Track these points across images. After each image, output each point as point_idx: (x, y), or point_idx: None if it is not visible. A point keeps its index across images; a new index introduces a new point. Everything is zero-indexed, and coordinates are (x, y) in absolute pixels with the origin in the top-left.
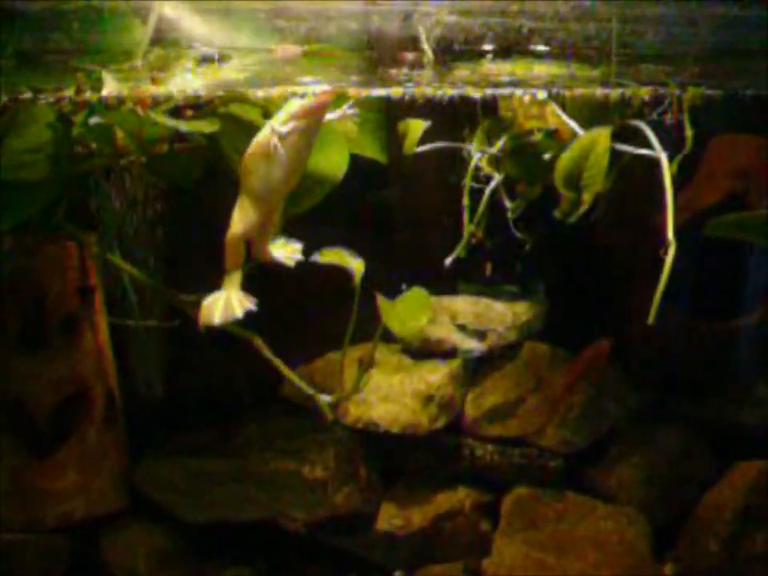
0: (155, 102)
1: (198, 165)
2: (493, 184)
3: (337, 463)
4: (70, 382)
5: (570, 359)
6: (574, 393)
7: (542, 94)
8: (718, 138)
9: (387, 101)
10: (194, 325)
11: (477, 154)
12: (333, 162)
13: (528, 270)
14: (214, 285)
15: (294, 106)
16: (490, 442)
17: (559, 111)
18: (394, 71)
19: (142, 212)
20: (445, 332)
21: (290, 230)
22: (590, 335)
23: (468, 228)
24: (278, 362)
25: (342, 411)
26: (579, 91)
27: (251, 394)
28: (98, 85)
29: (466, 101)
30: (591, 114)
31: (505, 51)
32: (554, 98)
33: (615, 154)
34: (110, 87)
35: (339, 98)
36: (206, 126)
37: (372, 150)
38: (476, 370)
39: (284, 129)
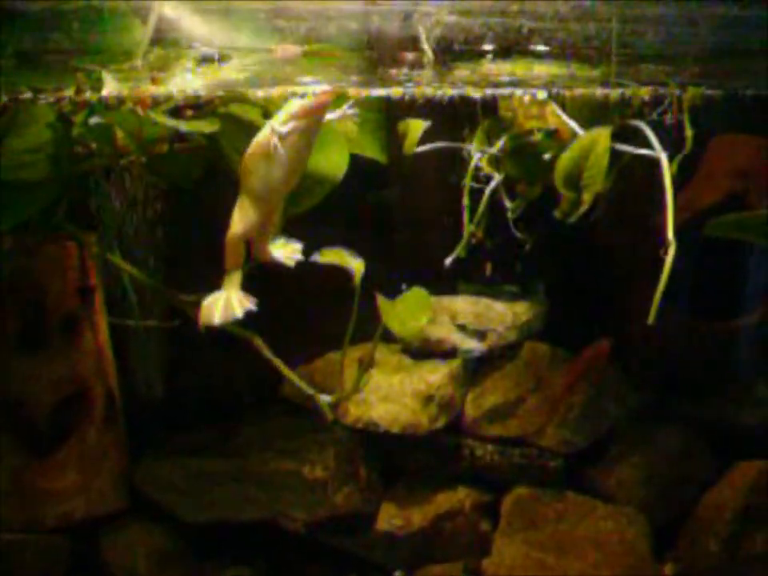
0: (155, 102)
1: (198, 165)
2: (493, 184)
3: (337, 463)
4: (69, 381)
5: (570, 359)
6: (574, 393)
7: (541, 94)
8: (718, 138)
9: (387, 101)
10: (193, 325)
11: (477, 153)
12: (333, 162)
13: (528, 270)
14: (214, 285)
15: (294, 106)
16: (490, 442)
17: (559, 111)
18: (394, 71)
19: (142, 212)
20: (445, 332)
21: (290, 230)
22: (590, 335)
23: (468, 228)
24: (277, 362)
25: (341, 411)
26: (579, 91)
27: (251, 394)
28: (97, 85)
29: (466, 101)
30: (591, 114)
31: (505, 51)
32: (553, 97)
33: (615, 154)
34: (110, 87)
35: (339, 98)
36: (206, 126)
37: (372, 150)
38: (476, 369)
39: (284, 129)
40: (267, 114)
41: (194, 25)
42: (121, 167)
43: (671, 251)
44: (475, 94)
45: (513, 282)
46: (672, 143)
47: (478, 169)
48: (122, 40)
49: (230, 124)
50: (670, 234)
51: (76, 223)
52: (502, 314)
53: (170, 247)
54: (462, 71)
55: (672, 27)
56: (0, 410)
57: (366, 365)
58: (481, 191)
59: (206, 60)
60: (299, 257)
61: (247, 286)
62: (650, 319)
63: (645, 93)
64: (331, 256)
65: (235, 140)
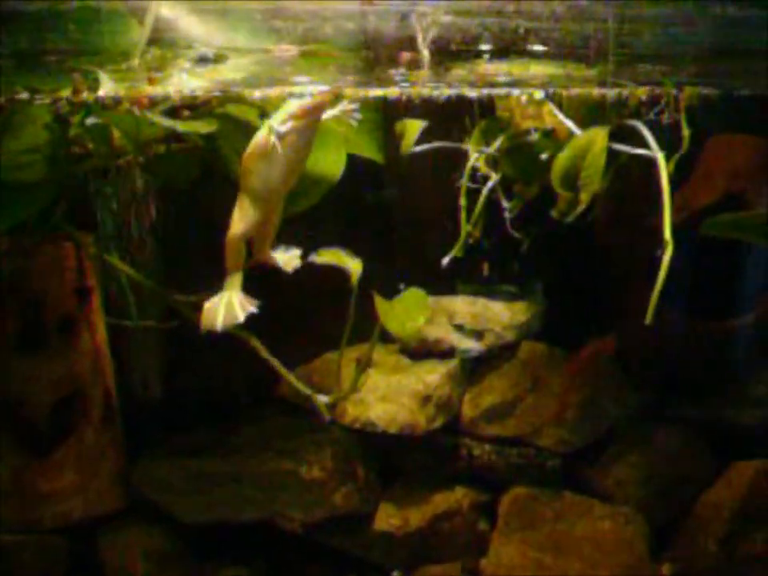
0: (152, 103)
1: (195, 165)
2: (490, 184)
3: (334, 463)
4: (67, 382)
5: (571, 357)
6: (574, 392)
7: (538, 94)
8: (715, 138)
9: (384, 101)
10: (192, 325)
11: (474, 153)
12: (331, 162)
13: (526, 270)
14: (213, 285)
15: (292, 106)
16: (488, 442)
17: (556, 111)
18: (391, 71)
19: (140, 212)
20: (442, 332)
21: (287, 230)
22: (588, 335)
23: (465, 228)
24: (275, 363)
25: (339, 411)
26: (576, 91)
27: (249, 394)
28: (94, 85)
29: (462, 101)
30: (588, 113)
31: (501, 51)
32: (550, 97)
33: (612, 154)
34: (107, 88)
35: (336, 98)
36: (203, 127)
37: (369, 150)
38: (474, 369)
39: (282, 129)
40: (264, 114)
41: (190, 25)
42: (118, 168)
43: (668, 251)
44: (472, 93)
45: (510, 282)
46: (669, 143)
47: (475, 169)
48: (118, 40)
49: (227, 124)
50: (667, 234)
51: (73, 224)
52: (500, 314)
53: (168, 247)
54: (459, 71)
55: (669, 27)
56: (0, 410)
57: (363, 365)
58: (478, 191)
59: (202, 60)
60: (298, 263)
61: (245, 287)
62: (648, 319)
63: (642, 93)
64: (329, 256)
65: (233, 140)
